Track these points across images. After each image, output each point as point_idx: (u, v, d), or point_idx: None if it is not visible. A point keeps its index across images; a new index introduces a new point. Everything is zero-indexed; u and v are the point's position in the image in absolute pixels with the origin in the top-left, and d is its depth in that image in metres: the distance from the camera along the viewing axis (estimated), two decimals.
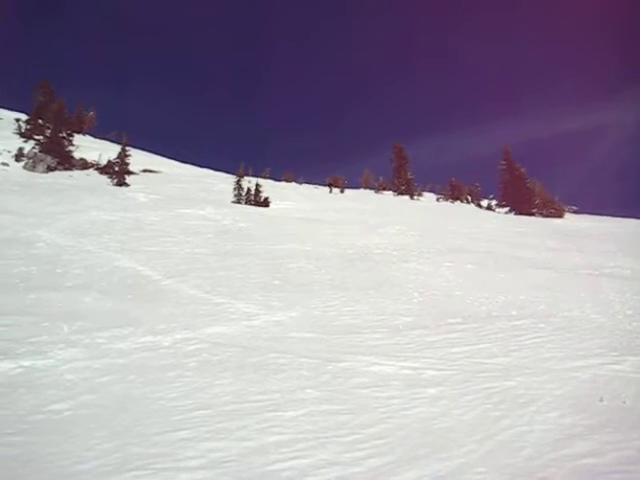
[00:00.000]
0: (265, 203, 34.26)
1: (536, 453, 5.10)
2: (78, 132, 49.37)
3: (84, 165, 39.61)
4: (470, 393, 6.55)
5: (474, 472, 4.68)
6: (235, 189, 35.57)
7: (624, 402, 6.47)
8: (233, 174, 41.36)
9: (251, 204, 34.09)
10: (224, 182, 40.56)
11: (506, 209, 54.42)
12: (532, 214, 51.22)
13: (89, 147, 45.45)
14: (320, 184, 59.36)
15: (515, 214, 51.62)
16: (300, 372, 7.20)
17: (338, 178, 60.36)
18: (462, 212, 44.58)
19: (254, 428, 5.54)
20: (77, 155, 40.05)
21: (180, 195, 30.86)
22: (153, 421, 5.70)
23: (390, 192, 58.17)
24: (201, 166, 58.46)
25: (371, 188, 62.14)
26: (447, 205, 53.17)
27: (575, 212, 55.71)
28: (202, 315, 10.04)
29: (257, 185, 36.06)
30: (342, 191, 52.37)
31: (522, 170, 57.65)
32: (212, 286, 12.33)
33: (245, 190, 35.61)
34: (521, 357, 8.06)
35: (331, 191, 50.89)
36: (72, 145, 39.69)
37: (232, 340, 8.68)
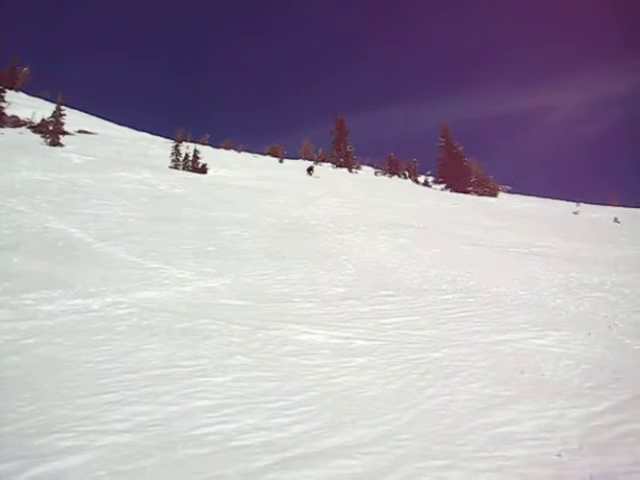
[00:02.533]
0: (203, 170, 33.83)
1: (457, 421, 5.25)
2: (10, 88, 47.60)
3: (16, 123, 38.28)
4: (397, 363, 6.67)
5: (397, 439, 4.79)
6: (173, 154, 34.96)
7: (543, 375, 6.70)
8: (171, 139, 40.72)
9: (189, 170, 33.62)
10: (162, 147, 39.91)
11: (442, 186, 55.21)
12: (467, 192, 52.13)
13: (22, 104, 43.94)
14: (259, 153, 59.05)
15: (451, 191, 52.42)
16: (230, 339, 7.21)
17: (277, 148, 60.15)
18: (399, 187, 45.04)
19: (181, 393, 5.53)
20: (9, 112, 38.63)
21: (116, 158, 30.20)
22: (79, 384, 5.62)
23: (329, 164, 58.24)
24: (139, 129, 57.37)
25: (310, 159, 62.07)
26: (385, 179, 53.59)
27: (509, 192, 57.00)
28: (134, 279, 9.92)
29: (195, 151, 35.55)
30: (281, 161, 52.17)
31: (460, 148, 58.58)
32: (145, 251, 12.17)
33: (183, 156, 35.05)
34: (449, 330, 8.25)
35: (281, 161, 50.84)
36: (4, 102, 38.25)
37: (163, 305, 8.61)
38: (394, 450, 4.60)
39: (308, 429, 4.89)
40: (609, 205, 56.74)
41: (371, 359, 6.75)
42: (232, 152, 55.11)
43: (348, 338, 7.48)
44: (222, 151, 53.28)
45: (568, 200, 54.46)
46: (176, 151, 35.11)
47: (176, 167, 34.00)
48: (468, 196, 48.24)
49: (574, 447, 4.96)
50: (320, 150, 63.97)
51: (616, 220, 40.07)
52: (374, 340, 7.45)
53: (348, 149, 59.05)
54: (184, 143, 38.10)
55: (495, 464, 4.55)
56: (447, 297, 10.12)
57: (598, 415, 5.67)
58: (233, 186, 26.43)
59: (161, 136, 52.19)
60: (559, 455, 4.78)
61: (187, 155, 35.12)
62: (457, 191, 52.05)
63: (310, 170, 43.97)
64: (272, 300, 9.28)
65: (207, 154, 38.47)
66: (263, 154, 59.39)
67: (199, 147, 39.98)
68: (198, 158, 34.99)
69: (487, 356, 7.18)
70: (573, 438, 5.12)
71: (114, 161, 27.85)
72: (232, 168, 37.18)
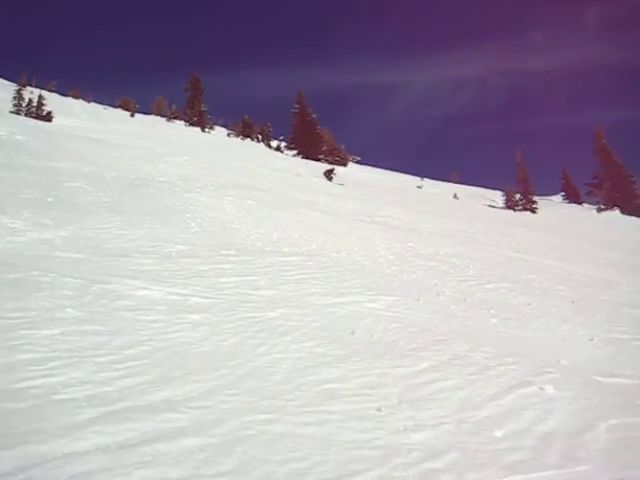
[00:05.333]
0: (48, 117, 32.06)
1: (286, 378, 5.39)
2: None
3: None
4: (232, 321, 6.72)
5: (226, 394, 4.85)
6: (15, 98, 32.91)
7: (372, 336, 7.02)
8: (14, 82, 38.30)
9: (32, 117, 31.77)
10: (3, 89, 37.42)
11: (294, 152, 55.58)
12: (319, 160, 52.78)
13: None
14: (110, 105, 56.86)
15: (302, 158, 52.91)
16: (62, 292, 6.94)
17: (129, 101, 58.18)
18: (251, 150, 44.96)
19: (4, 345, 5.27)
20: None
21: None
22: None
23: (182, 122, 57.07)
24: None
25: (163, 116, 60.52)
26: (237, 141, 53.31)
27: (359, 162, 58.38)
28: None
29: (40, 97, 33.62)
30: (132, 115, 50.52)
31: (314, 116, 59.10)
32: None
33: (27, 101, 33.09)
34: (286, 290, 8.40)
35: (132, 115, 48.88)
36: None
37: None
38: (222, 405, 4.66)
39: (136, 383, 4.84)
40: (450, 182, 59.59)
41: (206, 316, 6.76)
42: (81, 101, 52.68)
43: (185, 295, 7.43)
44: (70, 99, 50.77)
45: (414, 175, 56.70)
46: (19, 95, 33.14)
47: (18, 112, 32.09)
48: (319, 163, 48.90)
49: (394, 402, 5.26)
50: (174, 107, 62.47)
51: (455, 196, 42.20)
52: (211, 298, 7.46)
53: (202, 108, 58.02)
54: (29, 88, 35.95)
55: (319, 418, 4.74)
56: (287, 259, 10.27)
57: (418, 374, 6.03)
58: (79, 137, 25.31)
59: (3, 78, 48.82)
60: (379, 410, 5.04)
61: (31, 101, 33.19)
62: (308, 158, 52.57)
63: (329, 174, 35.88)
64: (110, 255, 9.03)
65: (53, 101, 36.56)
66: (114, 106, 57.18)
67: (45, 93, 37.79)
68: (43, 105, 33.14)
69: (321, 317, 7.40)
70: (393, 394, 5.43)
71: None
72: (80, 118, 35.60)
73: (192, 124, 55.89)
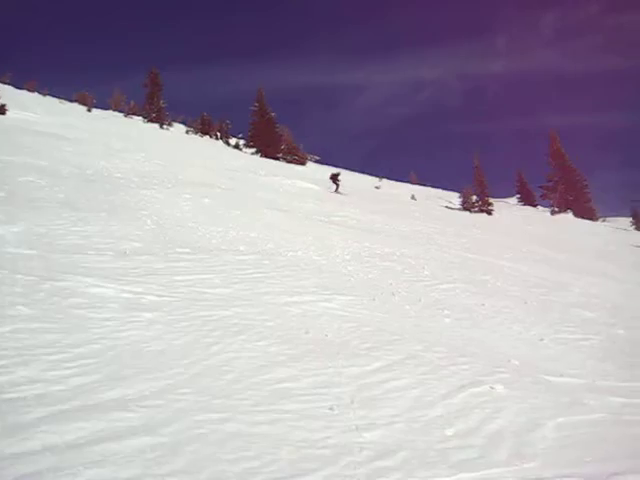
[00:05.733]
0: (1, 110, 31.36)
1: (239, 377, 5.39)
2: None
3: None
4: (186, 320, 6.68)
5: (178, 392, 4.83)
6: None
7: (326, 335, 7.05)
8: None
9: None
10: None
11: (253, 150, 55.40)
12: (277, 158, 52.75)
13: None
14: (67, 99, 56.03)
15: (261, 156, 52.78)
16: (13, 289, 6.81)
17: (86, 95, 57.39)
18: (209, 147, 44.70)
19: None
20: None
21: None
22: None
23: (140, 118, 56.46)
24: None
25: (121, 111, 59.81)
26: (196, 138, 53.00)
27: (317, 161, 58.45)
28: None
29: None
30: (89, 110, 49.83)
31: (273, 114, 58.98)
32: None
33: None
34: (241, 289, 8.38)
35: (89, 110, 48.09)
36: None
37: None
38: (174, 403, 4.65)
39: (87, 382, 4.80)
40: (408, 183, 60.11)
41: (160, 314, 6.71)
42: (36, 95, 51.74)
43: (139, 293, 7.36)
44: (25, 93, 49.82)
45: (372, 175, 57.05)
46: None
47: None
48: (277, 162, 48.86)
49: (346, 401, 5.31)
50: (132, 102, 61.77)
51: (413, 197, 42.53)
52: (165, 296, 7.40)
53: (161, 104, 57.42)
54: None
55: (271, 417, 4.75)
56: (243, 258, 10.23)
57: (371, 373, 6.09)
58: (34, 131, 24.84)
59: None
60: (331, 409, 5.08)
61: None
62: (267, 156, 52.48)
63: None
64: (64, 251, 8.88)
65: (7, 94, 35.79)
66: (71, 100, 56.39)
67: None
68: None
69: (275, 316, 7.41)
70: (346, 394, 5.47)
71: None
72: (35, 112, 34.94)
73: (151, 120, 55.30)
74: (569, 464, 4.85)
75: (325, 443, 4.51)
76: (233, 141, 57.98)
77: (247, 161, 40.58)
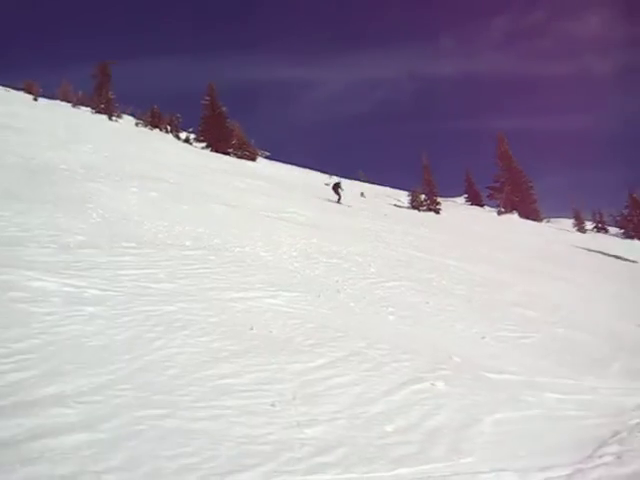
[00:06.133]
0: None
1: (181, 373, 5.36)
2: None
3: None
4: (129, 314, 6.59)
5: (117, 388, 4.78)
6: None
7: (271, 331, 7.05)
8: None
9: None
10: None
11: (203, 144, 54.94)
12: (228, 153, 52.42)
13: None
14: (12, 87, 54.76)
15: (211, 151, 52.38)
16: None
17: (33, 84, 56.21)
18: (159, 140, 44.18)
19: None
20: None
21: None
22: None
23: (88, 109, 55.49)
24: None
25: (69, 101, 58.66)
26: (145, 131, 52.27)
27: (268, 157, 58.31)
28: None
29: None
30: (36, 99, 48.79)
31: (224, 109, 58.56)
32: None
33: None
34: (186, 284, 8.31)
35: (36, 99, 46.98)
36: None
37: None
38: (113, 399, 4.59)
39: (26, 377, 4.70)
40: (358, 180, 60.38)
41: (102, 309, 6.61)
42: None
43: (81, 287, 7.23)
44: None
45: (323, 172, 57.14)
46: None
47: None
48: (228, 157, 48.59)
49: (288, 398, 5.33)
50: (80, 93, 60.67)
51: (362, 195, 42.76)
52: (108, 290, 7.30)
53: (110, 95, 56.53)
54: None
55: (212, 413, 4.74)
56: (189, 253, 10.14)
57: (314, 369, 6.12)
58: None
59: None
60: (273, 405, 5.10)
61: None
62: (217, 151, 52.09)
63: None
64: (5, 243, 8.67)
65: None
66: (16, 89, 55.11)
67: None
68: None
69: (220, 312, 7.38)
70: (288, 390, 5.49)
71: None
72: None
73: (99, 111, 54.38)
74: (504, 458, 4.98)
75: (266, 439, 4.52)
76: (183, 135, 57.35)
77: (197, 155, 40.24)
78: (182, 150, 41.48)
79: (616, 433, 6.04)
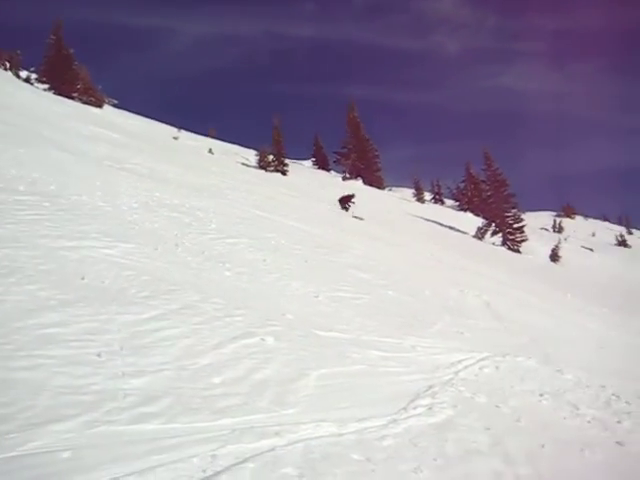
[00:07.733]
0: None
1: (3, 321, 5.22)
2: None
3: None
4: None
5: None
6: None
7: (103, 282, 6.92)
8: None
9: None
10: None
11: (46, 86, 51.93)
12: (72, 97, 49.90)
13: None
14: None
15: (55, 93, 49.65)
16: None
17: None
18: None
19: None
20: None
21: None
22: None
23: None
24: None
25: None
26: None
27: (114, 105, 56.15)
28: None
29: None
30: None
31: (71, 51, 55.51)
32: None
33: None
34: (16, 231, 7.80)
35: None
36: None
37: None
38: None
39: None
40: (208, 137, 59.50)
41: None
42: None
43: None
44: None
45: (172, 125, 55.80)
46: None
47: None
48: (72, 101, 46.30)
49: (115, 348, 5.30)
50: None
51: (210, 151, 42.20)
52: None
53: None
54: None
55: (33, 362, 4.64)
56: (22, 198, 9.55)
57: (144, 321, 6.10)
58: None
59: None
60: (99, 355, 5.06)
61: None
62: (61, 94, 49.38)
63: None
64: None
65: None
66: None
67: None
68: None
69: (50, 260, 7.12)
70: (116, 341, 5.46)
71: None
72: None
73: None
74: (325, 410, 5.24)
75: (89, 389, 4.50)
76: (24, 74, 53.85)
77: (37, 96, 38.00)
78: (19, 88, 38.95)
79: (430, 387, 6.50)
